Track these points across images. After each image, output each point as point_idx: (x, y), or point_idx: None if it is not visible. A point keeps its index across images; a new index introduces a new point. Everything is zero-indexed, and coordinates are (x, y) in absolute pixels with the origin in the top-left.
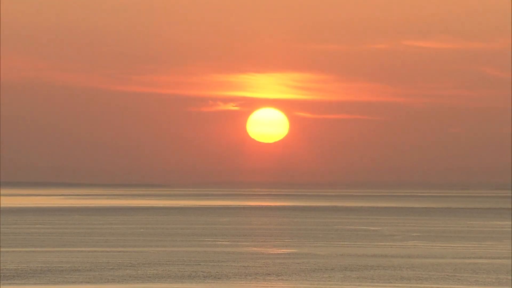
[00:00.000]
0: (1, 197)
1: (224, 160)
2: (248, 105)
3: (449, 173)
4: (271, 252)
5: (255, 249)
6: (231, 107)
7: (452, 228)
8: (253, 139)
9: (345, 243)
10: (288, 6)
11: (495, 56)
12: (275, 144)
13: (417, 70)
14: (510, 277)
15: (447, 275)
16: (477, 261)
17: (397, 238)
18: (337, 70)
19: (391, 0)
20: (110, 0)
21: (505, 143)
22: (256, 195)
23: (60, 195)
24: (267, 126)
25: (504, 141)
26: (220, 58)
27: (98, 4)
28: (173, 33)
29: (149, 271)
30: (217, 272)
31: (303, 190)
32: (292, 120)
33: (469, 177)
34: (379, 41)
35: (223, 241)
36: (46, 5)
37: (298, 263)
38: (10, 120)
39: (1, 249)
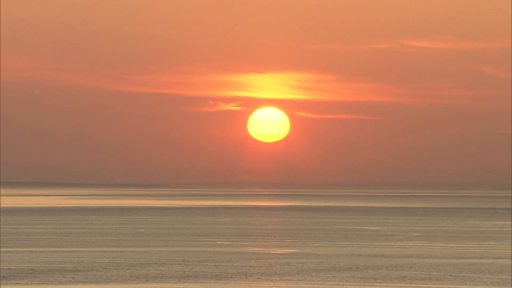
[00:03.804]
0: (1, 197)
1: (225, 160)
2: (249, 105)
3: (449, 173)
4: (272, 252)
5: (256, 249)
6: (232, 107)
7: (452, 228)
8: (254, 139)
9: (346, 243)
10: (289, 7)
11: (495, 56)
12: (276, 144)
13: (417, 70)
14: (510, 277)
15: (448, 275)
16: (477, 261)
17: (397, 238)
18: (338, 70)
19: (391, 0)
20: (110, 0)
21: (505, 143)
22: (257, 195)
23: (60, 195)
24: (268, 126)
25: (504, 141)
26: (221, 58)
27: (98, 4)
28: (173, 33)
29: (149, 271)
30: (218, 272)
31: (303, 190)
32: (293, 120)
33: (469, 177)
34: (379, 41)
35: (223, 241)
36: (46, 5)
37: (299, 263)
38: (10, 120)
39: (1, 249)
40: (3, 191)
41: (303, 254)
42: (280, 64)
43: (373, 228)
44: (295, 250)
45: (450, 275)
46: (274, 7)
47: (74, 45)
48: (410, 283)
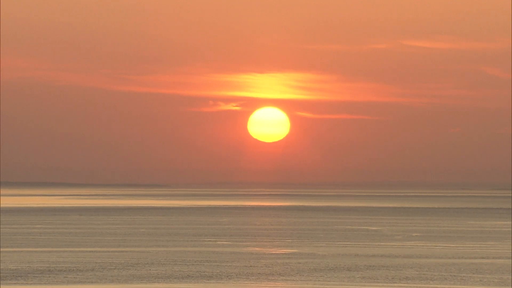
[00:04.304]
0: (1, 197)
1: (225, 160)
2: (249, 105)
3: (449, 173)
4: (272, 252)
5: (256, 249)
6: (232, 107)
7: (452, 228)
8: (254, 138)
9: (346, 243)
10: (289, 7)
11: (495, 56)
12: (276, 144)
13: (417, 70)
14: (510, 277)
15: (449, 275)
16: (478, 261)
17: (397, 238)
18: (338, 70)
19: (391, 0)
20: (110, 0)
21: (505, 143)
22: (257, 195)
23: (60, 195)
24: (268, 126)
25: (504, 141)
26: (221, 58)
27: (98, 4)
28: (173, 33)
29: (149, 271)
30: (219, 272)
31: (303, 190)
32: (293, 120)
33: (469, 177)
34: (379, 41)
35: (224, 241)
36: (46, 5)
37: (300, 263)
38: (10, 120)
39: (1, 249)
40: (3, 191)
41: (303, 254)
42: (280, 64)
43: (373, 228)
44: (295, 250)
45: (450, 275)
46: (274, 7)
47: (74, 45)
48: (410, 283)
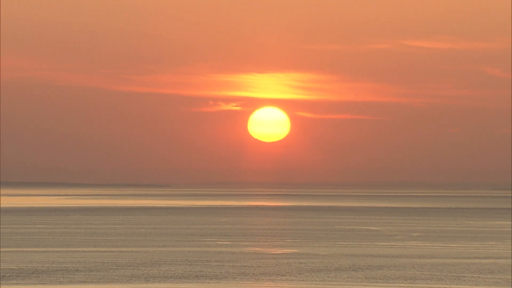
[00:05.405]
0: (1, 197)
1: (225, 160)
2: (249, 105)
3: (449, 173)
4: (272, 252)
5: (257, 249)
6: (233, 107)
7: (452, 228)
8: (254, 139)
9: (346, 243)
10: (289, 7)
11: (495, 56)
12: (276, 143)
13: (417, 70)
14: (510, 277)
15: (448, 275)
16: (478, 261)
17: (397, 238)
18: (338, 70)
19: (391, 0)
20: (110, 0)
21: (505, 143)
22: (257, 195)
23: (60, 195)
24: (268, 126)
25: (504, 141)
26: (221, 58)
27: (98, 4)
28: (174, 33)
29: (149, 271)
30: (219, 272)
31: (303, 190)
32: (293, 120)
33: (469, 177)
34: (379, 41)
35: (223, 241)
36: (45, 5)
37: (300, 263)
38: (10, 120)
39: (1, 249)
40: (3, 191)
41: (303, 254)
42: (280, 64)
43: (373, 228)
44: (295, 250)
45: (450, 275)
46: (274, 7)
47: (74, 45)
48: (411, 283)
